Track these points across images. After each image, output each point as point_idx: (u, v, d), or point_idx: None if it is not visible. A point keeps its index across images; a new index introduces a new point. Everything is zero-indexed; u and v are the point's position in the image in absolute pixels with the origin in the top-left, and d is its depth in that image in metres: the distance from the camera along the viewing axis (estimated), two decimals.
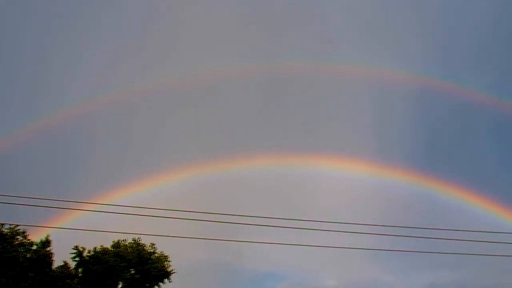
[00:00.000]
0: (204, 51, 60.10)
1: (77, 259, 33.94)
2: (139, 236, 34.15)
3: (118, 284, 33.94)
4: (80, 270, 33.94)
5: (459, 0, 60.77)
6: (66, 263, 33.75)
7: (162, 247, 35.26)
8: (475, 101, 52.12)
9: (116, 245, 34.71)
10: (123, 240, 34.83)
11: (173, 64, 59.41)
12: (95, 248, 34.11)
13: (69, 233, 26.79)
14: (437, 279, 53.45)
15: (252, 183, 52.75)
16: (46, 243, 33.05)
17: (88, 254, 33.97)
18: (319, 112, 62.65)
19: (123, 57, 59.25)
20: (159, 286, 34.86)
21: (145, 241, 35.02)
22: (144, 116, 60.04)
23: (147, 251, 34.92)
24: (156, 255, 35.07)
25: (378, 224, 21.44)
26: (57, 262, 33.63)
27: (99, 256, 33.73)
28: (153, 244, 34.99)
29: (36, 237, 32.87)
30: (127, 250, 34.59)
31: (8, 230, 31.82)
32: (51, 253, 33.24)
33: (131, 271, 34.10)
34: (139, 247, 34.82)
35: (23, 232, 32.16)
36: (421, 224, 23.07)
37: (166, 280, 34.92)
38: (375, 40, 61.92)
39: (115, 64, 58.84)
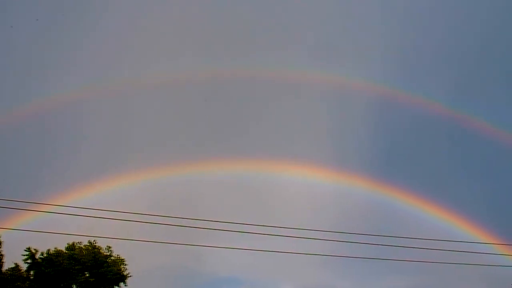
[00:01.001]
0: (168, 52, 59.72)
1: (29, 261, 32.86)
2: (95, 238, 33.53)
3: (72, 287, 33.16)
4: (32, 272, 32.89)
5: (420, 10, 62.51)
6: (17, 265, 32.69)
7: (119, 250, 34.72)
8: (432, 111, 53.69)
9: (71, 247, 33.93)
10: (78, 243, 34.07)
11: (149, 63, 58.97)
12: (48, 250, 33.19)
13: (21, 234, 26.06)
14: (393, 286, 54.69)
15: (211, 188, 52.62)
16: None
17: (41, 256, 32.96)
18: (279, 118, 63.14)
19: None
20: None
21: (101, 243, 34.36)
22: (109, 115, 59.22)
23: (103, 254, 34.25)
24: (112, 258, 34.45)
25: (336, 231, 21.79)
26: (7, 264, 32.58)
27: (53, 258, 32.83)
28: (109, 247, 34.37)
29: None
30: (82, 252, 33.86)
31: None
32: (1, 255, 32.18)
33: (85, 274, 33.38)
34: (95, 250, 34.13)
35: None
36: (378, 231, 23.59)
37: (122, 284, 34.36)
38: (336, 48, 62.97)
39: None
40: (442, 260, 24.07)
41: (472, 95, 59.44)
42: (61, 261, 32.68)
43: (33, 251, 32.82)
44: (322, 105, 61.55)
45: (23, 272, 32.72)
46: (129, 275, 34.65)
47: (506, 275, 23.50)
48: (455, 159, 61.79)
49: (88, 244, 34.26)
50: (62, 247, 33.77)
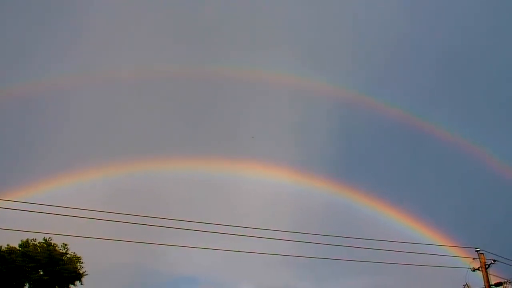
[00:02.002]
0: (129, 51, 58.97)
1: None
2: (50, 235, 32.64)
3: (25, 285, 32.20)
4: None
5: (382, 16, 63.87)
6: None
7: (75, 248, 33.96)
8: (393, 117, 54.87)
9: (25, 244, 32.94)
10: (32, 240, 33.11)
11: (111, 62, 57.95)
12: (0, 247, 32.10)
13: None
14: (351, 286, 55.62)
15: (172, 186, 52.20)
16: None
17: None
18: (244, 119, 63.28)
19: None
20: None
21: (57, 241, 33.51)
22: (68, 112, 57.97)
23: (58, 251, 33.43)
24: (68, 256, 33.68)
25: (296, 231, 21.94)
26: None
27: (5, 256, 31.78)
28: (65, 245, 33.59)
29: None
30: (37, 250, 32.91)
31: None
32: None
33: (39, 272, 32.49)
34: (50, 247, 33.23)
35: None
36: (337, 232, 23.84)
37: (77, 282, 33.63)
38: (303, 52, 63.65)
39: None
40: (398, 261, 24.59)
41: (431, 103, 61.23)
42: (14, 259, 31.69)
43: None
44: (286, 107, 62.08)
45: None
46: (85, 274, 34.03)
47: (458, 276, 24.20)
48: (413, 163, 63.44)
49: (43, 241, 33.36)
50: (16, 244, 32.81)
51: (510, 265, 23.99)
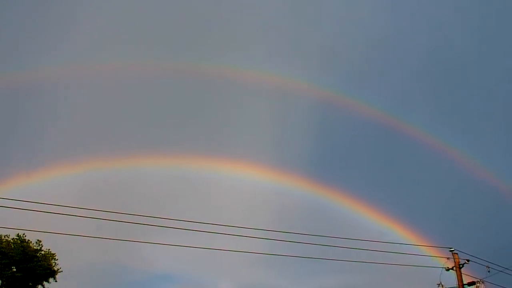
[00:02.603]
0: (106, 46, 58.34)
1: None
2: (24, 231, 32.03)
3: None
4: None
5: (362, 16, 64.42)
6: None
7: (50, 245, 33.39)
8: (371, 117, 55.37)
9: None
10: (5, 236, 32.42)
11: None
12: None
13: None
14: (326, 283, 55.99)
15: (150, 183, 51.80)
16: None
17: None
18: (222, 116, 63.16)
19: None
20: (43, 285, 32.94)
21: (31, 237, 32.88)
22: (38, 106, 57.03)
23: (32, 248, 32.81)
24: (42, 252, 33.08)
25: (273, 230, 21.98)
26: None
27: None
28: (39, 241, 32.97)
29: None
30: (10, 246, 32.24)
31: None
32: None
33: (12, 268, 31.82)
34: (24, 244, 32.59)
35: None
36: (315, 231, 23.97)
37: (51, 279, 33.08)
38: (283, 51, 63.79)
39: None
40: (374, 260, 24.84)
41: (409, 104, 62.00)
42: None
43: None
44: (266, 105, 62.12)
45: None
46: (59, 271, 33.48)
47: (433, 275, 24.57)
48: (390, 164, 64.17)
49: (17, 237, 32.71)
50: None
51: (483, 265, 24.46)
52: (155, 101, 61.63)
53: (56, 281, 33.34)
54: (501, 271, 24.87)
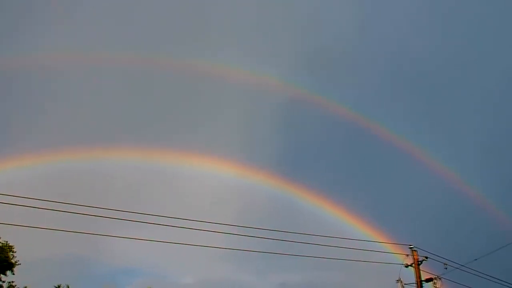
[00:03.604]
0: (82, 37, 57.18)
1: None
2: None
3: None
4: None
5: (331, 15, 65.01)
6: None
7: (7, 236, 32.46)
8: (338, 115, 55.96)
9: None
10: None
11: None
12: None
13: None
14: (289, 279, 56.47)
15: (115, 176, 51.08)
16: None
17: None
18: (191, 111, 62.75)
19: None
20: None
21: None
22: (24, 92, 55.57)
23: None
24: None
25: (238, 225, 22.00)
26: None
27: None
28: None
29: None
30: None
31: None
32: None
33: None
34: None
35: None
36: (280, 227, 24.13)
37: (8, 272, 32.17)
38: (253, 46, 63.78)
39: None
40: (338, 256, 25.17)
41: (379, 104, 62.94)
42: None
43: None
44: (237, 101, 62.06)
45: None
46: (17, 263, 32.56)
47: (393, 271, 25.10)
48: (357, 162, 65.12)
49: None
50: None
51: (441, 262, 25.10)
52: (126, 95, 60.77)
53: (13, 274, 32.46)
54: (457, 268, 25.61)
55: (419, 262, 24.88)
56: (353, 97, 62.58)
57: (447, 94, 64.67)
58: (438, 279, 24.58)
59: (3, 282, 32.13)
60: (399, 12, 66.06)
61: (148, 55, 54.48)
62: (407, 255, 25.22)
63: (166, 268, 56.21)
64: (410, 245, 25.30)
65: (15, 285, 32.56)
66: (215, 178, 51.29)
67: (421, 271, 24.89)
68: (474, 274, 25.84)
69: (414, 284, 24.68)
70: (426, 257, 24.97)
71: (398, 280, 24.66)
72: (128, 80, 59.06)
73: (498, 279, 26.58)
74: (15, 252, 32.58)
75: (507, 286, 27.01)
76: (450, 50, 65.53)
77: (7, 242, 32.43)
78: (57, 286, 35.29)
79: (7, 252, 32.12)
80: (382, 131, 52.77)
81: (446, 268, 24.94)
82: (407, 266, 25.01)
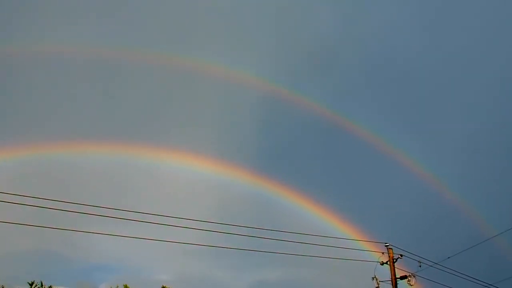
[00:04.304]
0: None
1: None
2: None
3: None
4: None
5: (314, 14, 65.18)
6: None
7: None
8: (315, 113, 56.14)
9: None
10: None
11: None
12: None
13: None
14: (266, 276, 56.55)
15: (87, 170, 50.23)
16: None
17: None
18: (169, 106, 62.23)
19: None
20: None
21: None
22: None
23: None
24: None
25: (213, 221, 21.83)
26: None
27: None
28: None
29: None
30: None
31: None
32: None
33: None
34: None
35: None
36: (256, 224, 24.05)
37: None
38: (231, 42, 63.56)
39: None
40: (315, 254, 25.25)
41: (357, 103, 63.34)
42: None
43: None
44: (212, 96, 61.74)
45: None
46: None
47: (369, 269, 25.30)
48: (334, 160, 65.48)
49: None
50: None
51: (415, 260, 25.39)
52: (100, 88, 59.88)
53: None
54: (431, 266, 25.94)
55: (394, 260, 25.14)
56: (332, 97, 62.95)
57: (428, 96, 65.53)
58: (412, 276, 24.85)
59: None
60: (381, 10, 66.58)
61: (128, 50, 53.79)
62: (383, 253, 25.46)
63: (142, 265, 55.74)
64: (386, 243, 25.54)
65: None
66: (189, 174, 50.94)
67: (396, 269, 25.12)
68: (447, 272, 26.22)
69: (389, 281, 24.90)
70: (401, 255, 25.24)
71: (374, 277, 24.86)
72: (107, 75, 58.25)
73: (470, 276, 27.04)
74: None
75: (478, 284, 27.49)
76: (433, 51, 66.43)
77: None
78: (30, 283, 34.59)
79: None
80: (361, 131, 53.11)
81: (420, 266, 25.26)
82: (382, 263, 25.23)
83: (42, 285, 30.41)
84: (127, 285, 43.41)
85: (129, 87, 59.84)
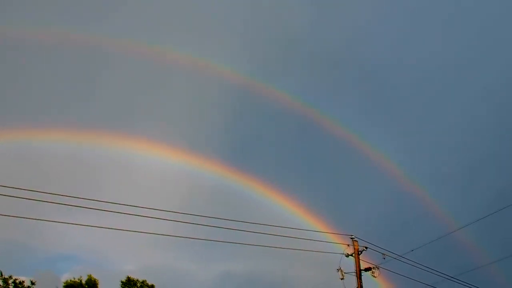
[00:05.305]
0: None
1: None
2: None
3: None
4: None
5: (286, 11, 65.15)
6: None
7: None
8: (290, 107, 56.28)
9: None
10: None
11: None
12: None
13: None
14: (232, 268, 56.73)
15: (54, 158, 49.21)
16: None
17: None
18: (136, 95, 61.47)
19: None
20: None
21: None
22: None
23: None
24: None
25: (181, 212, 21.66)
26: None
27: None
28: None
29: None
30: None
31: None
32: None
33: None
34: None
35: None
36: (225, 215, 23.97)
37: None
38: (204, 32, 63.03)
39: None
40: (282, 245, 25.39)
41: (328, 97, 63.77)
42: None
43: None
44: (184, 87, 61.19)
45: None
46: None
47: (334, 260, 25.62)
48: (307, 154, 65.95)
49: None
50: None
51: (380, 252, 25.83)
52: (73, 77, 58.59)
53: None
54: (395, 258, 26.45)
55: (359, 252, 25.50)
56: (307, 91, 63.15)
57: (402, 94, 66.43)
58: (376, 268, 25.29)
59: None
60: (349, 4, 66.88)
61: (96, 37, 52.71)
62: (348, 245, 25.79)
63: (107, 255, 55.15)
64: (352, 236, 25.89)
65: None
66: (157, 164, 50.51)
67: (361, 261, 25.51)
68: (410, 265, 26.79)
69: (354, 273, 25.26)
70: (366, 247, 25.63)
71: (339, 269, 25.16)
72: (78, 63, 56.99)
73: (432, 269, 27.67)
74: None
75: (441, 276, 28.17)
76: (411, 50, 67.18)
77: None
78: None
79: None
80: (334, 126, 53.52)
81: (384, 258, 25.71)
82: (347, 255, 25.58)
83: (1, 275, 29.70)
84: (92, 275, 42.85)
85: (97, 75, 58.76)
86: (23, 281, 35.17)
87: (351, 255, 25.57)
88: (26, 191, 18.06)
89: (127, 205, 19.58)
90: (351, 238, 25.84)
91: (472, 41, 62.21)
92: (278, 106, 57.63)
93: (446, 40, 64.56)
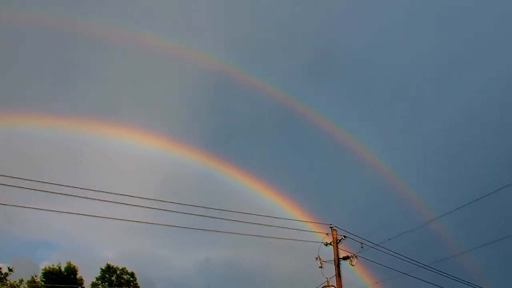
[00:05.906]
0: None
1: None
2: None
3: None
4: None
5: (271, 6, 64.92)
6: None
7: None
8: (273, 97, 56.32)
9: None
10: None
11: None
12: None
13: None
14: (212, 255, 56.96)
15: (32, 146, 48.62)
16: None
17: None
18: (119, 84, 60.88)
19: None
20: None
21: None
22: None
23: None
24: None
25: (159, 199, 21.65)
26: None
27: None
28: None
29: None
30: None
31: None
32: None
33: None
34: None
35: None
36: (204, 203, 24.00)
37: None
38: (185, 19, 62.56)
39: None
40: (262, 234, 25.58)
41: (311, 88, 63.97)
42: None
43: None
44: (165, 75, 60.76)
45: None
46: None
47: (313, 249, 25.92)
48: (289, 145, 66.26)
49: None
50: None
51: (358, 242, 26.17)
52: (47, 62, 57.63)
53: None
54: (372, 247, 26.83)
55: (338, 241, 25.80)
56: (289, 81, 63.22)
57: (384, 87, 66.93)
58: (354, 257, 25.63)
59: None
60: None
61: (76, 22, 51.87)
62: (327, 234, 26.07)
63: (86, 242, 54.84)
64: (330, 225, 26.17)
65: None
66: (141, 150, 50.22)
67: (339, 250, 25.82)
68: (387, 254, 27.22)
69: (333, 262, 25.58)
70: (345, 236, 25.94)
71: (318, 258, 25.44)
72: (62, 50, 56.10)
73: (409, 258, 28.13)
74: None
75: (416, 265, 28.65)
76: (404, 48, 67.55)
77: None
78: None
79: None
80: (315, 116, 53.69)
81: (362, 247, 26.06)
82: (326, 244, 25.86)
83: None
84: (71, 262, 42.66)
85: (78, 61, 57.98)
86: (0, 268, 34.86)
87: (330, 243, 25.86)
88: (7, 177, 17.85)
89: (107, 192, 19.51)
90: (330, 227, 26.13)
91: (465, 40, 62.91)
92: (262, 95, 57.65)
93: (438, 38, 65.16)
